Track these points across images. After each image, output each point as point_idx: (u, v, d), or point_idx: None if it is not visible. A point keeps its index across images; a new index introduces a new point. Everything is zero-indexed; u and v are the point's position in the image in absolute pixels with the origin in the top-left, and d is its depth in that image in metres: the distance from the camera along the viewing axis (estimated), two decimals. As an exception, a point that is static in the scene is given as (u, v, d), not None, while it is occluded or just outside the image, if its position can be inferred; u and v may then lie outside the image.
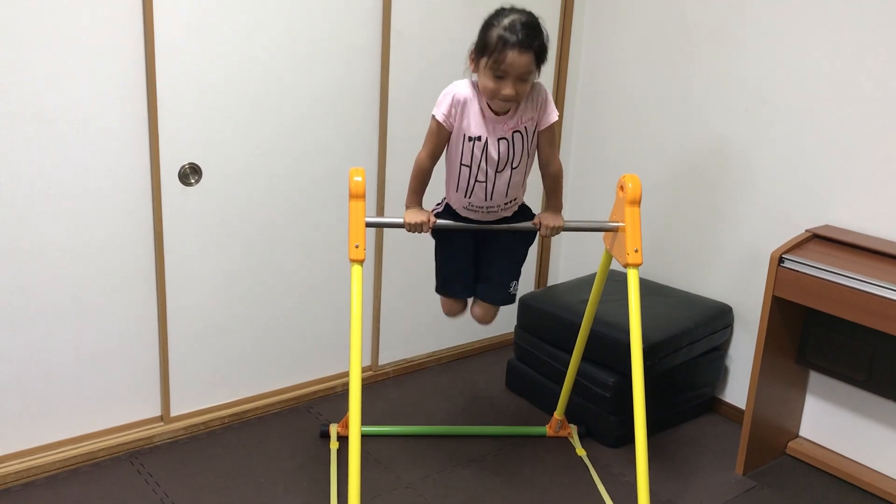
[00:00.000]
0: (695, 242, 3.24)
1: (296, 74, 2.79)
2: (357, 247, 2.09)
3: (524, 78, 1.99)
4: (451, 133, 2.15)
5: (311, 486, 2.61)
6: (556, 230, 2.28)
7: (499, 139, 2.10)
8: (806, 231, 2.74)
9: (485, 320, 2.52)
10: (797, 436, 3.00)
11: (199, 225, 2.72)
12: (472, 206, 2.24)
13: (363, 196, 2.11)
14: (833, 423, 2.90)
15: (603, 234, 2.42)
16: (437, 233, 2.38)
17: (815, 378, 2.93)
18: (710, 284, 3.21)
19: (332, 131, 2.94)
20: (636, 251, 2.21)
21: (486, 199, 2.20)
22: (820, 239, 2.70)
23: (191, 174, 2.66)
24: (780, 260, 2.63)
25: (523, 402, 3.25)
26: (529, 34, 1.95)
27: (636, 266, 2.22)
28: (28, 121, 2.33)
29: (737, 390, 3.17)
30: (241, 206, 2.80)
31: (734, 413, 3.16)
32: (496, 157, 2.12)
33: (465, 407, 3.19)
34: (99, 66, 2.40)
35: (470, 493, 2.63)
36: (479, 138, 2.10)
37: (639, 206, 2.23)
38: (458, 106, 2.09)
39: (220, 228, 2.77)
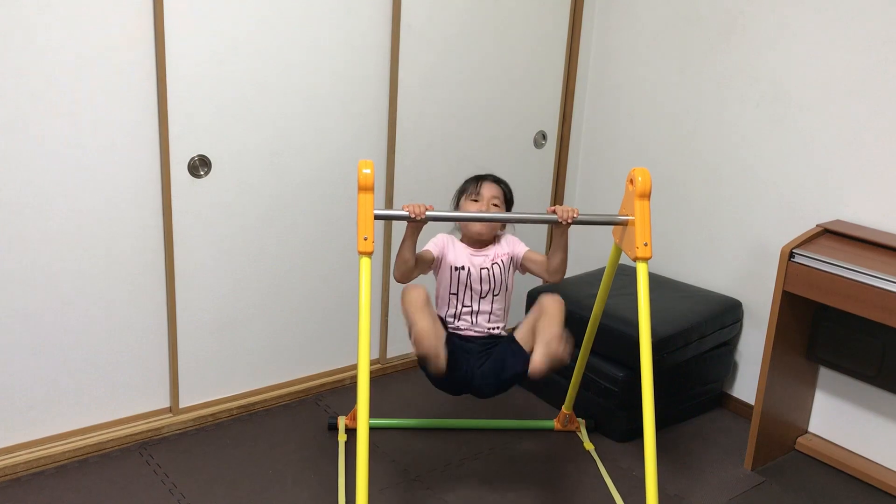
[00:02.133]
0: (704, 237, 3.23)
1: (305, 67, 2.79)
2: (365, 239, 2.09)
3: (495, 203, 2.47)
4: (436, 259, 2.44)
5: (319, 479, 2.61)
6: (573, 211, 2.28)
7: (480, 269, 2.43)
8: (816, 226, 2.73)
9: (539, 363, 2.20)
10: (806, 431, 2.99)
11: (208, 216, 2.73)
12: (460, 329, 2.44)
13: (372, 188, 2.11)
14: (843, 419, 2.88)
15: (612, 227, 2.41)
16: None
17: (824, 374, 2.91)
18: (719, 279, 3.20)
19: (342, 124, 2.94)
20: (646, 245, 2.20)
21: (472, 325, 2.45)
22: (830, 234, 2.68)
23: (200, 166, 2.66)
24: (791, 255, 2.61)
25: (531, 395, 3.25)
26: (497, 178, 2.54)
27: (645, 260, 2.21)
28: (38, 114, 2.33)
29: (746, 386, 3.16)
30: (250, 197, 2.80)
31: (743, 408, 3.15)
32: (479, 286, 2.43)
33: (472, 400, 3.18)
34: (109, 60, 2.40)
35: (477, 486, 2.64)
36: (463, 267, 2.42)
37: (648, 199, 2.22)
38: (448, 241, 2.47)
39: (229, 220, 2.78)
